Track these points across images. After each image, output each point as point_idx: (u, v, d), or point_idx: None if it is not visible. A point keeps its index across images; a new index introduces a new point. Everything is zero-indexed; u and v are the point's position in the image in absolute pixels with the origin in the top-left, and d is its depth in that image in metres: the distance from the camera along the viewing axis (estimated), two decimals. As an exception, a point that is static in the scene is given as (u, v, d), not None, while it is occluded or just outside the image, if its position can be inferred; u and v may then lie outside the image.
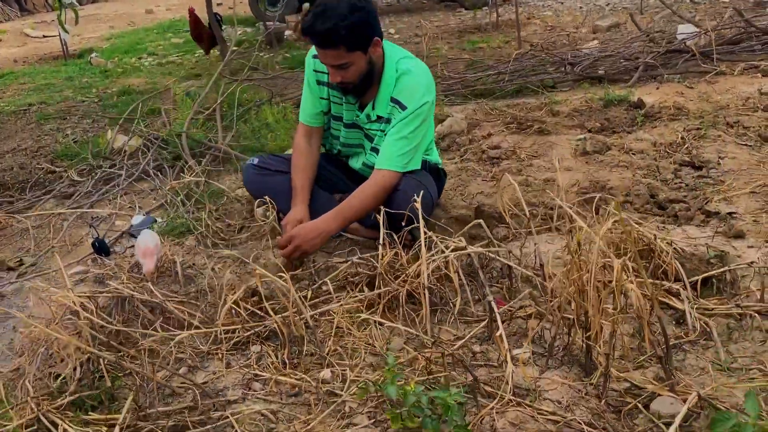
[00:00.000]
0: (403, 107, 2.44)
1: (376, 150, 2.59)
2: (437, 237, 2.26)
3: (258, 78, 5.51)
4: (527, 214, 2.30)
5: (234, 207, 3.15)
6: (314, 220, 2.40)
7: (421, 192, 2.41)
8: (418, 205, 2.19)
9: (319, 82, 2.65)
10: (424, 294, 2.02)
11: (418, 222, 2.18)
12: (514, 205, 2.82)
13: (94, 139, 4.39)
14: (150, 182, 3.52)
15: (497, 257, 2.20)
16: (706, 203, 2.77)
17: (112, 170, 3.62)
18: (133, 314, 2.20)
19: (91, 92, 6.42)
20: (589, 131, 3.88)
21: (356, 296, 2.18)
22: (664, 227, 2.61)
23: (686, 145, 3.41)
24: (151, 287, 2.21)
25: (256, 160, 2.74)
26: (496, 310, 1.90)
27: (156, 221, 2.99)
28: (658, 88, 4.57)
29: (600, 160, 3.41)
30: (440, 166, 2.81)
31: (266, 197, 2.48)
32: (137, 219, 2.99)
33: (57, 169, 4.03)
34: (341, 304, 2.12)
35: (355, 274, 2.31)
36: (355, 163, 2.80)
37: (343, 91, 2.51)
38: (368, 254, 2.41)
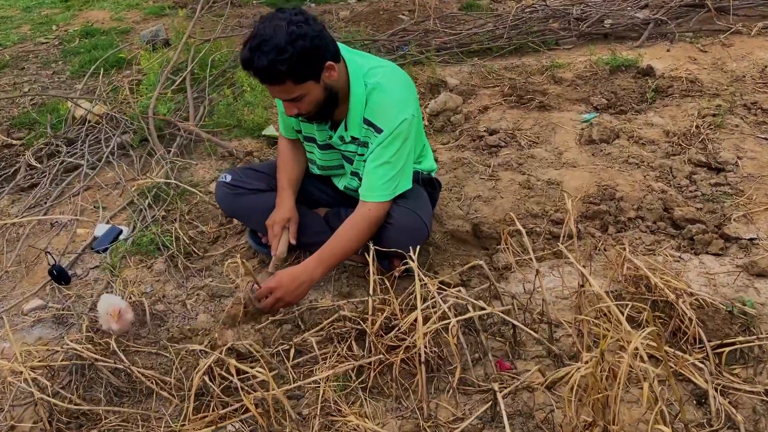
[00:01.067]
0: (379, 130, 2.10)
1: (357, 174, 2.28)
2: (433, 281, 2.01)
3: (234, 29, 4.99)
4: (530, 250, 2.04)
5: (207, 208, 2.85)
6: (295, 266, 2.12)
7: (414, 223, 2.15)
8: (413, 254, 1.92)
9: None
10: (421, 370, 1.79)
11: (411, 258, 1.92)
12: (517, 216, 2.56)
13: (53, 105, 3.96)
14: (115, 172, 3.16)
15: (502, 315, 1.95)
16: (724, 222, 2.52)
17: (72, 160, 3.24)
18: (96, 376, 1.96)
19: (51, 30, 5.84)
20: (596, 108, 3.54)
21: (344, 363, 1.94)
22: (680, 258, 2.36)
23: (701, 138, 3.11)
24: (115, 347, 1.95)
25: (228, 177, 2.40)
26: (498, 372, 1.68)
27: (121, 232, 2.69)
28: (668, 51, 4.18)
29: (608, 152, 3.10)
30: (433, 176, 2.49)
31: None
32: (100, 229, 2.68)
33: (14, 143, 3.65)
34: (327, 377, 1.88)
35: (342, 325, 2.07)
36: (338, 184, 2.48)
37: (307, 119, 2.16)
38: (357, 300, 2.16)
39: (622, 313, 1.51)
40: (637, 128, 3.29)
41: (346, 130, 2.18)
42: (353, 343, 2.02)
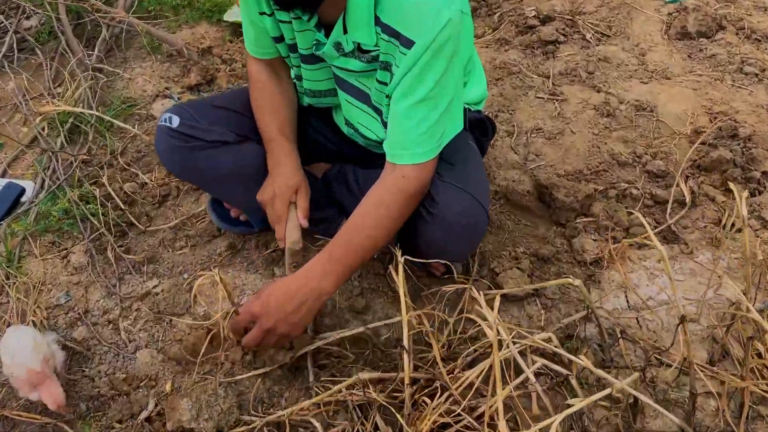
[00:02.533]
0: (408, 42, 1.20)
1: (375, 111, 1.40)
2: (494, 298, 1.25)
3: None
4: (654, 240, 1.26)
5: (151, 147, 1.96)
6: (291, 276, 1.31)
7: (468, 211, 1.34)
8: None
9: None
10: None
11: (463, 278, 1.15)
12: (598, 166, 1.75)
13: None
14: (12, 87, 2.20)
15: (628, 389, 1.21)
16: None
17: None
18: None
19: None
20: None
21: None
22: None
23: None
24: None
25: (174, 121, 1.47)
26: None
27: (22, 192, 1.82)
28: None
29: (710, 53, 2.19)
30: (484, 115, 1.61)
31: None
32: (-8, 187, 1.81)
33: None
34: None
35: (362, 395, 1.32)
36: (338, 120, 1.60)
37: (281, 4, 1.21)
38: (383, 324, 1.40)
39: None
40: (747, 17, 2.35)
41: (345, 32, 1.26)
42: (377, 420, 1.28)
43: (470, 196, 1.35)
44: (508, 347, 1.21)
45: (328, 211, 1.60)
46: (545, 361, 1.23)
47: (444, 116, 1.27)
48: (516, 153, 1.88)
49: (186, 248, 1.69)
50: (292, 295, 1.26)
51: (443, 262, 1.37)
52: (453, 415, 1.22)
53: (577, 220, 1.67)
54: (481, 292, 1.30)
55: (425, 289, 1.52)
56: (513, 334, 1.24)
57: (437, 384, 1.28)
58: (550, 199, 1.70)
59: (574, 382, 1.22)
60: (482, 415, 1.23)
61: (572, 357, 1.17)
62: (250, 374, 1.38)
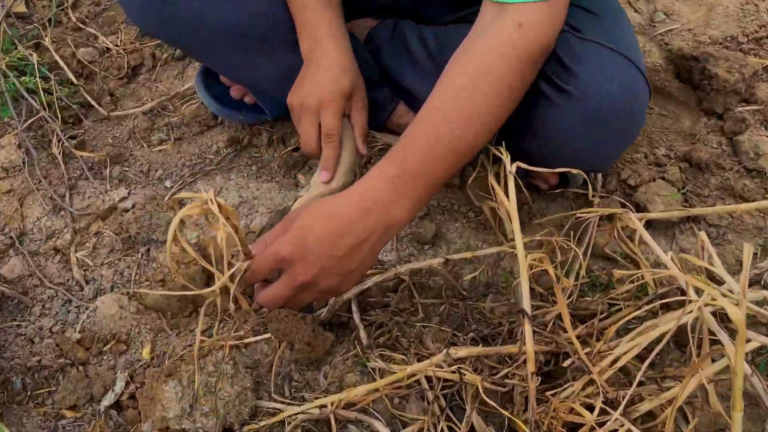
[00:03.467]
0: None
1: None
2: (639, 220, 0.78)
3: None
4: None
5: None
6: (339, 197, 0.78)
7: (625, 83, 0.83)
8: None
9: None
10: None
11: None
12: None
13: None
14: None
15: None
16: None
17: None
18: None
19: None
20: None
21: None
22: None
23: None
24: None
25: None
26: None
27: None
28: None
29: None
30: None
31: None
32: None
33: None
34: None
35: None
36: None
37: None
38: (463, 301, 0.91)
39: None
40: None
41: None
42: (475, 419, 0.81)
43: (628, 62, 0.83)
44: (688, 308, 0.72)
45: (377, 92, 1.05)
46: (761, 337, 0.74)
47: None
48: (637, 11, 1.32)
49: (167, 143, 1.16)
50: (344, 228, 0.75)
51: (575, 172, 0.85)
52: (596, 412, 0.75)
53: (738, 108, 1.14)
54: (626, 218, 0.82)
55: (536, 212, 1.01)
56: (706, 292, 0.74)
57: (565, 363, 0.81)
58: (700, 76, 1.16)
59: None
60: (642, 413, 0.78)
61: None
62: (266, 336, 0.90)
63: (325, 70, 0.89)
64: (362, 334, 0.89)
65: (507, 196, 0.80)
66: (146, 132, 1.18)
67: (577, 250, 0.86)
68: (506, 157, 0.81)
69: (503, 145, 0.82)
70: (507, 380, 0.78)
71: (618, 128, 0.82)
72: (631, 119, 0.83)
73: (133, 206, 1.06)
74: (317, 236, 0.74)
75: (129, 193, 1.08)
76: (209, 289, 0.70)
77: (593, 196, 0.96)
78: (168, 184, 1.10)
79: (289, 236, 0.75)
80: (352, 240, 0.75)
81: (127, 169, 1.13)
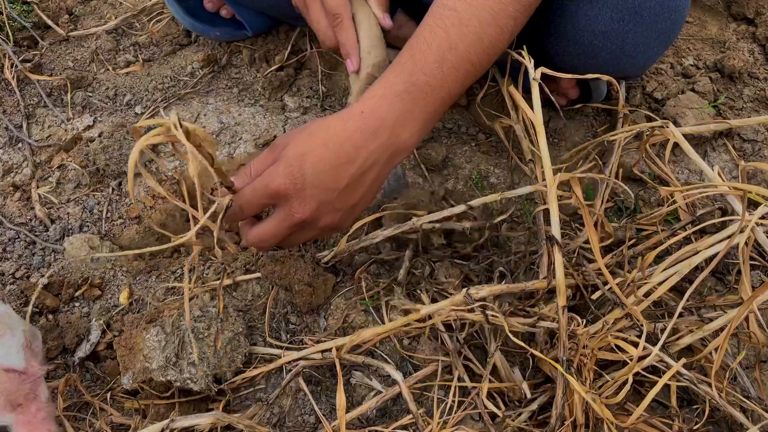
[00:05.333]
0: None
1: None
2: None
3: None
4: None
5: None
6: (338, 117, 0.66)
7: None
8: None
9: None
10: None
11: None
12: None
13: None
14: None
15: None
16: None
17: None
18: None
19: None
20: None
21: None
22: None
23: None
24: None
25: None
26: None
27: None
28: None
29: None
30: None
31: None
32: None
33: None
34: None
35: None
36: None
37: None
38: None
39: None
40: None
41: None
42: (498, 358, 0.72)
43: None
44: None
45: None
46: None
47: None
48: None
49: (135, 65, 1.03)
50: (346, 156, 0.64)
51: (606, 79, 0.73)
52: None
53: (771, 13, 1.02)
54: (661, 133, 0.72)
55: (553, 131, 0.90)
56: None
57: (594, 296, 0.72)
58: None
59: None
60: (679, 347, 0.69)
61: None
62: (257, 275, 0.79)
63: None
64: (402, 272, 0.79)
65: (530, 107, 0.69)
66: (111, 53, 1.04)
67: (604, 177, 0.76)
68: (530, 62, 0.69)
69: (524, 49, 0.71)
70: (536, 319, 0.69)
71: (660, 27, 0.71)
72: (674, 16, 0.71)
73: (99, 135, 0.93)
74: (315, 166, 0.63)
75: (94, 121, 0.95)
76: (184, 238, 0.57)
77: (622, 108, 0.85)
78: (138, 110, 0.97)
79: (283, 166, 0.63)
80: (354, 169, 0.64)
81: (90, 94, 0.99)
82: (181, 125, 0.52)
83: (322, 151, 0.63)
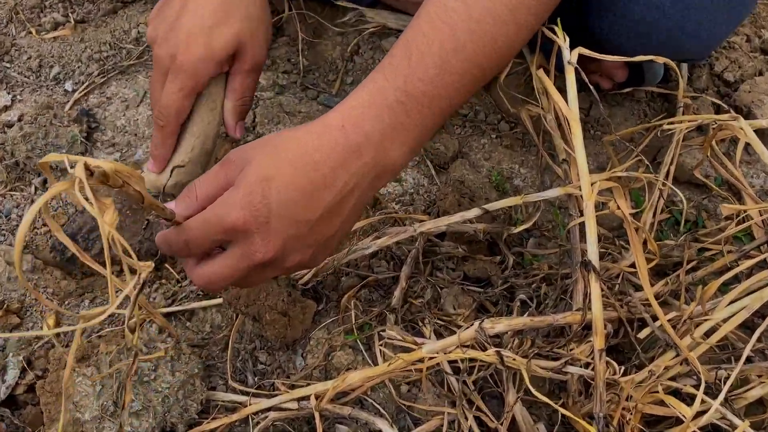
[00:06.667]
0: None
1: None
2: None
3: None
4: None
5: None
6: (311, 129, 0.64)
7: None
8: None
9: None
10: None
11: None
12: None
13: None
14: None
15: None
16: None
17: None
18: None
19: None
20: None
21: None
22: None
23: None
24: None
25: None
26: None
27: None
28: None
29: None
30: None
31: None
32: None
33: None
34: None
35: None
36: None
37: None
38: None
39: None
40: None
41: None
42: (519, 410, 0.73)
43: None
44: None
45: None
46: None
47: None
48: None
49: (65, 27, 1.03)
50: (321, 180, 0.62)
51: (661, 61, 0.74)
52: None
53: None
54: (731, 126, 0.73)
55: (596, 120, 0.91)
56: None
57: (642, 333, 0.73)
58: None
59: None
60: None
61: None
62: (218, 301, 0.80)
63: (194, 11, 0.74)
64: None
65: (564, 97, 0.70)
66: (34, 12, 1.05)
67: (656, 176, 0.76)
68: (564, 41, 0.70)
69: (558, 23, 0.71)
70: (563, 363, 0.70)
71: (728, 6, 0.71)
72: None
73: (19, 119, 0.93)
74: (282, 193, 0.61)
75: (13, 101, 0.95)
76: (104, 312, 0.53)
77: (683, 96, 0.85)
78: (68, 86, 0.97)
79: (242, 194, 0.60)
80: (331, 196, 0.62)
81: (8, 65, 0.99)
82: (92, 171, 0.48)
83: (290, 174, 0.61)
